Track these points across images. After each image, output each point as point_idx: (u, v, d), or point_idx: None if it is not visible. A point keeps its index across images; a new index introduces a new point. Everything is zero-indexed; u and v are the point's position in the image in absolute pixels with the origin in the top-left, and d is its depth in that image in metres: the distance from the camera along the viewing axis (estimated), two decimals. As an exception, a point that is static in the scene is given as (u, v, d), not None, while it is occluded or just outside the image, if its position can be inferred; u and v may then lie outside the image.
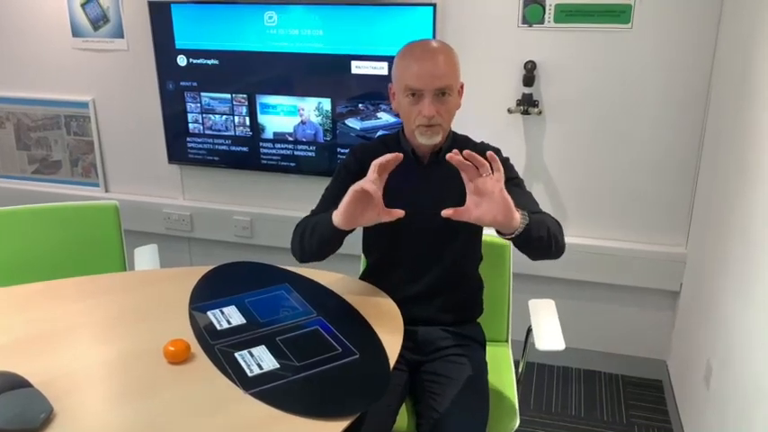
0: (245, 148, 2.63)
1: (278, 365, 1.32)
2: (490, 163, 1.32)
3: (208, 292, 1.61)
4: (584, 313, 2.51)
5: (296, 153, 2.57)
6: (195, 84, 2.59)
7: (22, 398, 1.18)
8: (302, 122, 2.52)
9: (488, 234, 1.69)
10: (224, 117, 2.60)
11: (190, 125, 2.65)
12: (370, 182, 1.38)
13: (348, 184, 1.63)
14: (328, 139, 2.51)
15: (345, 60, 2.38)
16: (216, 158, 2.68)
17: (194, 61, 2.55)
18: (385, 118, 2.42)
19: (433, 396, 1.53)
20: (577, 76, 2.26)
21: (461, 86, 1.56)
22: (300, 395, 1.24)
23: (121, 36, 2.65)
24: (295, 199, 2.66)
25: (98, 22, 2.65)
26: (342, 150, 2.51)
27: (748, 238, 1.71)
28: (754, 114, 1.74)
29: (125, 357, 1.36)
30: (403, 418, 1.58)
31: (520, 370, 1.80)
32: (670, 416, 2.33)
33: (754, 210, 1.68)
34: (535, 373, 2.58)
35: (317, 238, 1.52)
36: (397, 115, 2.38)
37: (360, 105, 2.43)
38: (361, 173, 1.62)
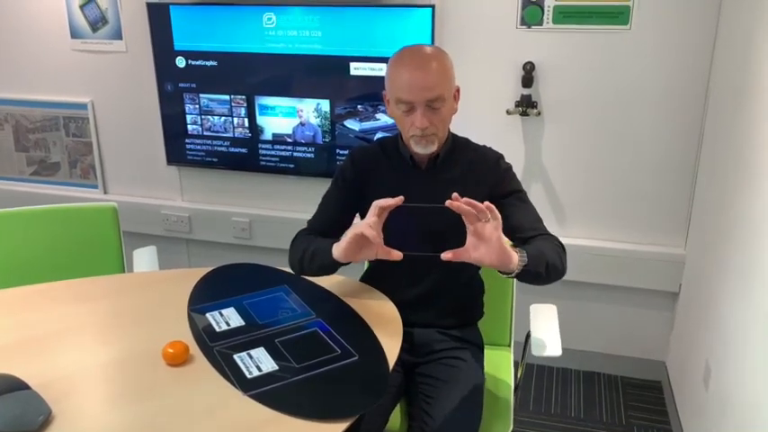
0: (243, 150, 2.62)
1: (277, 367, 1.32)
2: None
3: (207, 294, 1.61)
4: (583, 314, 2.51)
5: (295, 154, 2.57)
6: (194, 85, 2.59)
7: (20, 400, 1.18)
8: (301, 124, 2.52)
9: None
10: (223, 118, 2.60)
11: (188, 126, 2.65)
12: (369, 227, 1.40)
13: (346, 193, 1.65)
14: (327, 140, 2.51)
15: (344, 62, 2.38)
16: (215, 160, 2.68)
17: (193, 63, 2.55)
18: (384, 119, 2.42)
19: (426, 399, 1.53)
20: (576, 77, 2.26)
21: (457, 90, 1.54)
22: (299, 397, 1.24)
23: (120, 38, 2.65)
24: (294, 200, 2.66)
25: (97, 23, 2.65)
26: (341, 152, 2.51)
27: (747, 239, 1.71)
28: (753, 115, 1.74)
29: (124, 359, 1.36)
30: (396, 419, 1.58)
31: (519, 375, 1.80)
32: (669, 417, 2.33)
33: (753, 211, 1.68)
34: (535, 374, 2.58)
35: (317, 265, 1.55)
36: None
37: (358, 107, 2.43)
38: (359, 181, 1.63)
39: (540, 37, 2.25)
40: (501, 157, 1.62)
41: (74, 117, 2.82)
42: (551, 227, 1.60)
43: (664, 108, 2.23)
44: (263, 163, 2.62)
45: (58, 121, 2.85)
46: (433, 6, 2.24)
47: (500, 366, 1.82)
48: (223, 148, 2.65)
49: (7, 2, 2.72)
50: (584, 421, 2.32)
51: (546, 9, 2.21)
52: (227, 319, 1.50)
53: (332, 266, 1.53)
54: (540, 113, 2.32)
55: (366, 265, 1.81)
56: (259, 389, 1.25)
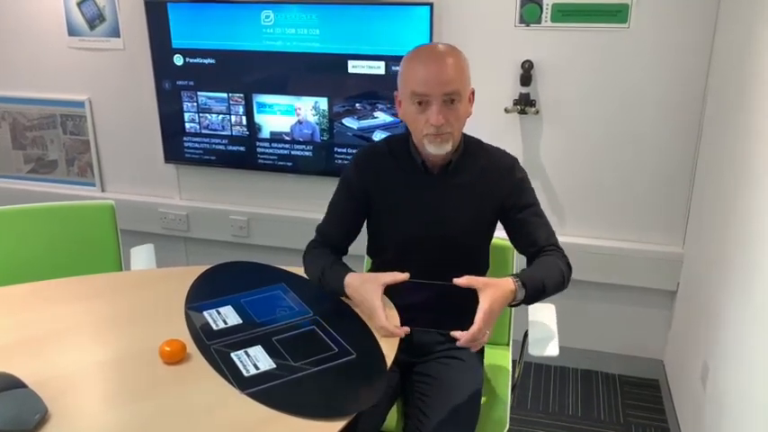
0: (241, 148, 2.62)
1: (274, 365, 1.32)
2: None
3: (204, 292, 1.61)
4: (581, 313, 2.52)
5: (293, 152, 2.56)
6: (192, 83, 2.58)
7: (16, 399, 1.17)
8: (299, 122, 2.52)
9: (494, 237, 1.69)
10: (220, 116, 2.59)
11: (186, 125, 2.65)
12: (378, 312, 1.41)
13: (353, 201, 1.60)
14: (325, 138, 2.50)
15: (342, 60, 2.38)
16: (212, 158, 2.67)
17: (191, 60, 2.55)
18: (382, 117, 2.42)
19: (422, 398, 1.52)
20: (574, 75, 2.26)
21: (472, 93, 1.50)
22: (296, 395, 1.24)
23: (118, 35, 2.64)
24: (292, 198, 2.66)
25: (94, 21, 2.64)
26: (339, 150, 2.50)
27: (745, 237, 1.71)
28: (751, 114, 1.74)
29: (121, 358, 1.36)
30: (393, 418, 1.58)
31: (516, 374, 1.80)
32: (667, 415, 2.33)
33: (752, 209, 1.68)
34: (533, 372, 2.58)
35: (330, 290, 1.56)
36: (395, 115, 2.38)
37: (357, 105, 2.43)
38: (365, 188, 1.58)
39: (538, 35, 2.25)
40: (515, 162, 1.58)
41: (71, 115, 2.81)
42: (549, 225, 1.60)
43: (662, 106, 2.22)
44: (261, 161, 2.61)
45: (56, 119, 2.84)
46: (431, 4, 2.24)
47: (498, 365, 1.81)
48: (221, 147, 2.64)
49: (4, 0, 2.72)
50: (581, 420, 2.32)
51: (545, 7, 2.21)
52: (225, 317, 1.50)
53: (342, 294, 1.54)
54: (538, 112, 2.32)
55: (368, 264, 1.79)
56: (256, 387, 1.25)
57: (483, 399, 1.61)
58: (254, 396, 1.22)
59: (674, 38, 2.15)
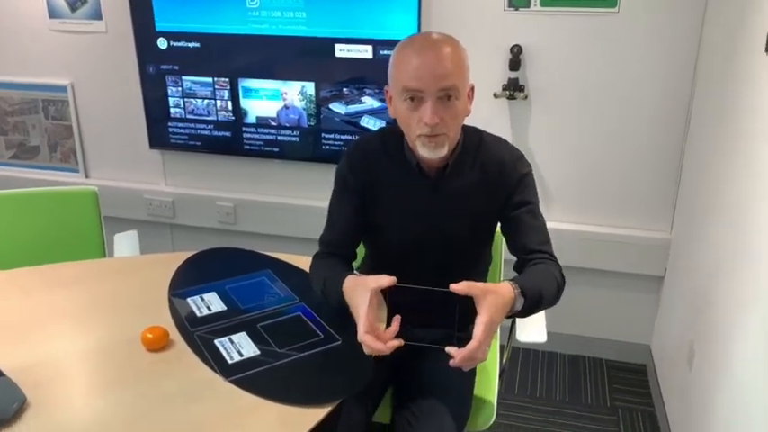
0: (227, 133, 2.59)
1: (258, 352, 1.30)
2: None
3: (188, 279, 1.59)
4: (568, 298, 2.50)
5: (279, 138, 2.53)
6: (176, 67, 2.54)
7: (-6, 387, 1.15)
8: (285, 107, 2.48)
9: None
10: (206, 101, 2.56)
11: (171, 110, 2.61)
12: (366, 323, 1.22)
13: (350, 202, 1.46)
14: (312, 123, 2.47)
15: (329, 43, 2.34)
16: (198, 144, 2.64)
17: (175, 44, 2.50)
18: (370, 102, 2.39)
19: (413, 391, 1.47)
20: (564, 60, 2.24)
21: (471, 89, 1.36)
22: (281, 382, 1.23)
23: (100, 18, 2.58)
24: (279, 185, 2.63)
25: (75, 3, 2.59)
26: (326, 136, 2.47)
27: (733, 222, 1.71)
28: (741, 98, 1.74)
29: (102, 345, 1.34)
30: (384, 410, 1.56)
31: (504, 360, 1.79)
32: (653, 399, 2.34)
33: (740, 194, 1.68)
34: (520, 358, 2.58)
35: (334, 302, 1.38)
36: (383, 100, 2.35)
37: (344, 89, 2.40)
38: (360, 186, 1.45)
39: (527, 19, 2.23)
40: (520, 158, 1.45)
41: (53, 100, 2.76)
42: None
43: (651, 91, 2.21)
44: (248, 147, 2.58)
45: (37, 104, 2.79)
46: (419, -13, 2.21)
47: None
48: (206, 132, 2.61)
49: (-17, -19, 2.65)
50: (569, 404, 2.33)
51: (533, -10, 2.18)
52: (209, 303, 1.48)
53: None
54: (527, 97, 2.30)
55: (360, 260, 1.75)
56: (240, 374, 1.23)
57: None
58: (238, 383, 1.21)
59: (663, 22, 2.13)
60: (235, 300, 1.50)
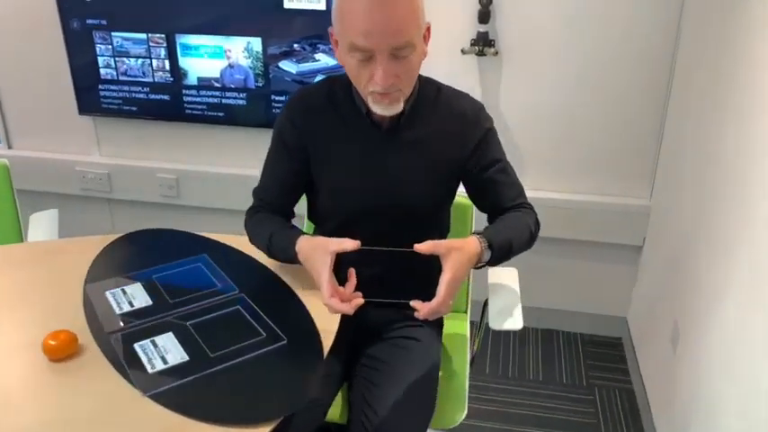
0: (165, 97, 2.31)
1: (187, 358, 1.09)
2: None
3: (108, 268, 1.35)
4: (540, 270, 2.36)
5: (224, 101, 2.27)
6: (104, 22, 2.24)
7: None
8: (230, 66, 2.22)
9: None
10: (140, 61, 2.27)
11: (101, 71, 2.32)
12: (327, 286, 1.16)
13: (289, 158, 1.34)
14: (260, 84, 2.22)
15: (276, -7, 2.08)
16: (133, 108, 2.36)
17: (101, -5, 2.20)
18: (324, 60, 2.15)
19: (369, 386, 1.31)
20: (537, 12, 2.02)
21: (428, 29, 1.21)
22: (212, 396, 1.02)
23: (13, -35, 2.26)
24: (225, 154, 2.38)
25: (-17, -53, 2.25)
26: (277, 98, 2.23)
27: (720, 187, 1.55)
28: (727, 52, 1.56)
29: (-5, 355, 1.11)
30: (337, 407, 1.37)
31: (475, 346, 1.62)
32: (631, 375, 2.22)
33: (728, 157, 1.51)
34: (491, 334, 2.42)
35: (282, 259, 1.33)
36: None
37: (295, 46, 2.15)
38: (302, 142, 1.32)
39: (497, -35, 2.00)
40: (481, 109, 1.34)
41: (-36, 60, 2.43)
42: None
43: (632, 46, 2.02)
44: (189, 111, 2.31)
45: (-52, 66, 2.46)
46: (376, -73, 1.95)
47: (454, 337, 1.63)
48: (142, 96, 2.33)
49: None
50: (543, 384, 2.19)
51: (504, -69, 1.95)
52: (131, 297, 1.26)
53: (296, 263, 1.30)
54: (497, 53, 2.08)
55: (309, 230, 1.55)
56: (162, 387, 1.02)
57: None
58: (159, 399, 1.00)
59: (646, -33, 1.93)
60: (163, 292, 1.27)
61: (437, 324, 1.50)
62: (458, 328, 1.67)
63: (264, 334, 1.15)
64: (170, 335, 1.14)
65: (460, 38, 2.09)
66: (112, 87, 2.34)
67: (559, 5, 2.01)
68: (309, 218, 1.50)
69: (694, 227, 1.73)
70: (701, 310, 1.61)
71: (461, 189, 1.43)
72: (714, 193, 1.61)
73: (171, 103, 2.32)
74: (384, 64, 1.13)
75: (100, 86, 2.34)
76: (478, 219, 1.52)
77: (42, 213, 1.72)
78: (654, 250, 2.15)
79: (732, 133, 1.52)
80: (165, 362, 1.08)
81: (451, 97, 1.34)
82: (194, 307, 1.23)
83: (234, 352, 1.11)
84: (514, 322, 1.41)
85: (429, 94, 1.32)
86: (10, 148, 2.55)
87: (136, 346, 1.11)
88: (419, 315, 1.13)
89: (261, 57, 2.18)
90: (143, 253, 1.43)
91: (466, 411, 1.41)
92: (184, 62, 2.24)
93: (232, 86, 2.24)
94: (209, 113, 2.30)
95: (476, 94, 2.14)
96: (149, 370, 1.06)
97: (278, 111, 2.22)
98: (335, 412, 1.37)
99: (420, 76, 1.30)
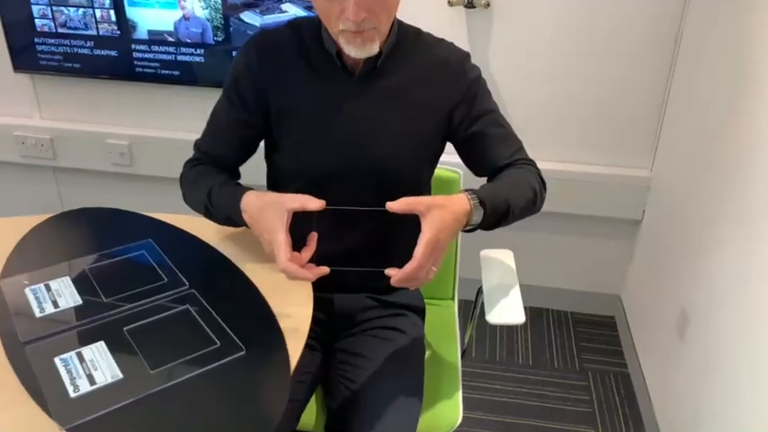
0: (112, 52, 2.04)
1: (120, 376, 0.88)
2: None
3: (31, 258, 1.12)
4: (528, 246, 2.18)
5: (179, 58, 2.01)
6: (38, -36, 1.95)
7: None
8: (184, 18, 1.95)
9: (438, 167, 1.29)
10: (81, 11, 1.99)
11: (36, 21, 2.02)
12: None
13: (242, 107, 1.15)
14: (220, 39, 1.96)
15: (237, -68, 1.81)
16: (77, 65, 2.08)
17: (32, -69, 1.90)
18: (292, 11, 1.89)
19: (347, 384, 1.13)
20: (533, -44, 1.79)
21: None
22: (151, 427, 0.82)
23: None
24: (182, 117, 2.12)
25: None
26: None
27: (727, 159, 1.36)
28: (735, 25, 1.36)
29: None
30: (311, 413, 1.19)
31: (466, 339, 1.44)
32: (626, 357, 2.08)
33: (735, 127, 1.32)
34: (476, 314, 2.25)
35: (223, 219, 1.16)
36: (310, 8, 1.86)
37: (259, -6, 1.89)
38: (260, 93, 1.13)
39: None
40: (467, 57, 1.17)
41: None
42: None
43: (638, 4, 1.81)
44: (140, 69, 2.04)
45: None
46: None
47: (442, 330, 1.45)
48: (86, 51, 2.05)
49: None
50: (533, 369, 2.03)
51: None
52: (56, 295, 1.03)
53: (239, 224, 1.12)
54: (488, 5, 1.85)
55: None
56: (86, 417, 0.81)
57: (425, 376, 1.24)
58: (82, 433, 0.79)
59: None
60: (96, 288, 1.05)
61: (418, 313, 1.31)
62: (445, 318, 1.48)
63: (219, 342, 0.95)
64: (101, 345, 0.93)
65: (447, -13, 1.85)
66: (51, 41, 2.05)
67: (559, -50, 1.78)
68: (269, 187, 1.28)
69: (703, 201, 1.56)
70: (712, 295, 1.45)
71: (447, 158, 1.23)
72: (724, 163, 1.43)
73: (119, 60, 2.04)
74: None
75: (36, 40, 2.05)
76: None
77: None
78: (654, 225, 1.98)
79: (743, 98, 1.33)
80: (92, 381, 0.87)
81: (433, 44, 1.17)
82: (133, 307, 1.01)
83: (180, 367, 0.90)
84: (515, 315, 1.22)
85: (408, 40, 1.15)
86: (-64, 109, 2.26)
87: (57, 360, 0.90)
88: (393, 281, 0.96)
89: (220, 7, 1.91)
90: (75, 238, 1.20)
91: (461, 417, 1.23)
92: (133, 12, 1.96)
93: (188, 41, 1.98)
94: (163, 72, 2.04)
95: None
96: (71, 393, 0.85)
97: (234, 63, 1.97)
98: (309, 418, 1.19)
99: (400, 22, 1.14)
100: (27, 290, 1.04)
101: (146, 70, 2.04)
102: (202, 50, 1.98)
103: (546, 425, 1.83)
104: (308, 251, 1.00)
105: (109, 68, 2.06)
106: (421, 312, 1.31)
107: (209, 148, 1.22)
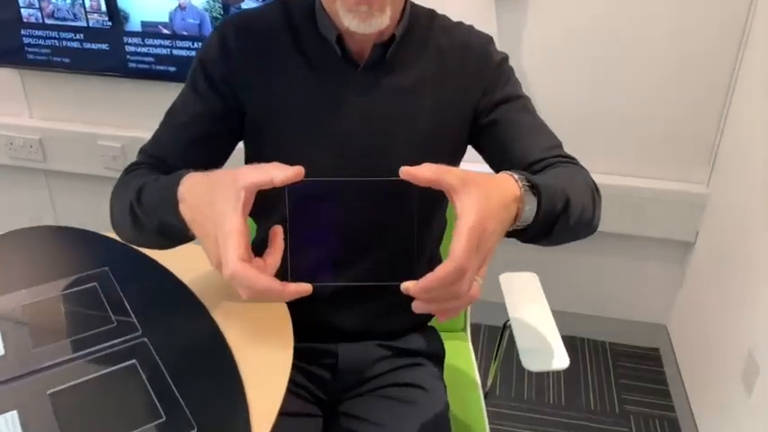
0: (103, 46, 1.85)
1: (28, 464, 0.67)
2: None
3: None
4: (562, 267, 1.93)
5: (175, 52, 1.81)
6: (24, -52, 1.77)
7: None
8: (180, 8, 1.75)
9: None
10: (69, 0, 1.80)
11: (22, 11, 1.85)
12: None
13: (215, 95, 0.89)
14: (219, 31, 1.75)
15: None
16: (65, 60, 1.90)
17: None
18: None
19: None
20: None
21: None
22: None
23: None
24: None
25: None
26: (241, 49, 1.77)
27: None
28: None
29: None
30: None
31: (489, 379, 1.21)
32: (673, 398, 1.82)
33: None
34: (495, 341, 2.01)
35: (157, 223, 0.78)
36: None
37: (263, -18, 1.68)
38: (233, 83, 0.89)
39: None
40: (490, 41, 0.96)
41: None
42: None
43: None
44: (133, 65, 1.85)
45: None
46: None
47: (456, 369, 1.22)
48: (75, 44, 1.87)
49: None
50: (566, 410, 1.79)
51: None
52: (-24, 343, 0.83)
53: (176, 230, 0.74)
54: (522, -7, 1.62)
55: (252, 233, 1.11)
56: None
57: None
58: None
59: None
60: (27, 334, 0.85)
61: (438, 361, 1.08)
62: (458, 353, 1.26)
63: (164, 416, 0.73)
64: (13, 415, 0.72)
65: (475, -27, 1.62)
66: (38, 33, 1.87)
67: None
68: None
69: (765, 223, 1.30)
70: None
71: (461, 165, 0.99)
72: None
73: (110, 54, 1.85)
74: None
75: (23, 31, 1.88)
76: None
77: None
78: (709, 248, 1.72)
79: None
80: (-11, 472, 0.66)
81: (450, 27, 0.96)
82: (68, 360, 0.80)
83: (109, 450, 0.69)
84: (557, 359, 0.99)
85: (421, 22, 0.94)
86: None
87: (-48, 437, 0.69)
88: (417, 307, 0.63)
89: (219, -5, 1.71)
90: (18, 265, 1.00)
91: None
92: (124, 2, 1.77)
93: (184, 33, 1.78)
94: (158, 67, 1.84)
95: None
96: (-42, 489, 0.64)
97: (202, 49, 1.77)
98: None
99: (414, 4, 0.94)
100: (-58, 334, 0.84)
101: (139, 66, 1.85)
102: (200, 44, 1.78)
103: (580, 479, 1.59)
104: (275, 253, 0.67)
105: (100, 63, 1.88)
106: (440, 360, 1.07)
107: (158, 149, 0.92)
